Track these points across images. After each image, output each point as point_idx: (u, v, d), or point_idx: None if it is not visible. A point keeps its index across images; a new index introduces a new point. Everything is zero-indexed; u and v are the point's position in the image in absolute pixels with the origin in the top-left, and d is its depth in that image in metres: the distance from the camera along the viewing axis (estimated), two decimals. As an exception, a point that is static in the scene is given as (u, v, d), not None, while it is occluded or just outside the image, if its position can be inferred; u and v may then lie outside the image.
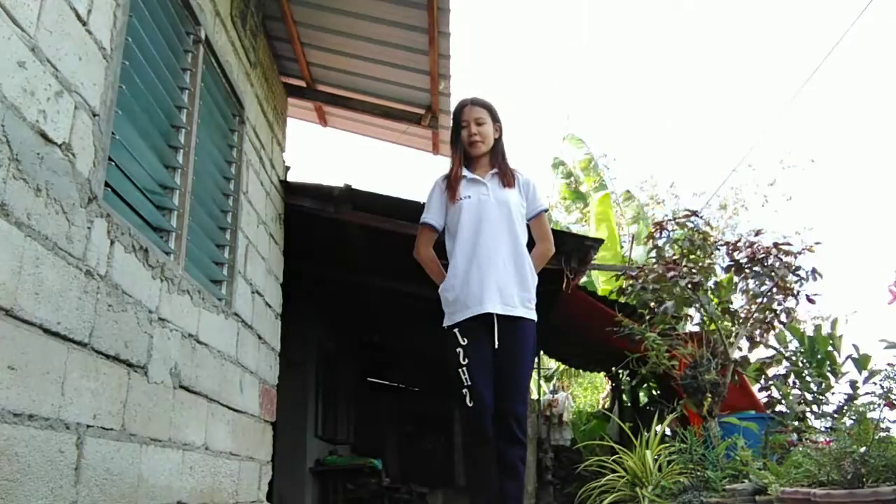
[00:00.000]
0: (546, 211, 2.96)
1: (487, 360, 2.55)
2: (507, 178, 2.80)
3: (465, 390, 2.50)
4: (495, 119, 2.87)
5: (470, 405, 2.50)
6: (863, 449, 2.28)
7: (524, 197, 2.83)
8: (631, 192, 14.02)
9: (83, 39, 2.07)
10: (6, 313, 1.65)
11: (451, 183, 2.79)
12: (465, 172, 2.81)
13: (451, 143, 2.95)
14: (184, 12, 3.03)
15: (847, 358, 4.17)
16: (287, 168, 5.01)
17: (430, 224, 2.81)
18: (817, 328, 4.55)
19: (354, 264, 6.16)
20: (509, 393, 2.57)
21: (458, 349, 2.56)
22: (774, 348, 4.58)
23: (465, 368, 2.52)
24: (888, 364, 2.90)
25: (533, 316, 2.67)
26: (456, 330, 2.60)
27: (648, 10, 36.75)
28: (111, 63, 2.24)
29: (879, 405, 2.74)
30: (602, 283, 10.17)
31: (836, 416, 4.07)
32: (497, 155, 2.86)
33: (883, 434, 2.43)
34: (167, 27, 2.86)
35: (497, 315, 2.57)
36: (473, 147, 2.81)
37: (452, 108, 5.04)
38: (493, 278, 2.60)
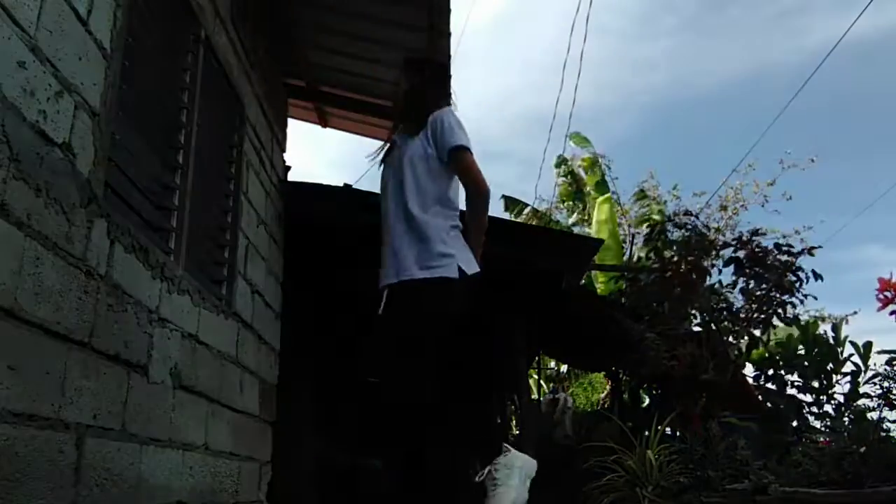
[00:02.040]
0: (462, 147, 2.50)
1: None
2: (408, 127, 2.60)
3: None
4: (413, 69, 2.73)
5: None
6: (863, 449, 2.28)
7: (429, 140, 2.51)
8: (645, 192, 13.98)
9: (83, 39, 2.07)
10: (6, 313, 1.65)
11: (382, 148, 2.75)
12: (394, 137, 2.73)
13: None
14: (184, 12, 3.03)
15: (848, 357, 4.20)
16: (287, 168, 5.00)
17: None
18: (810, 324, 4.57)
19: (354, 264, 6.15)
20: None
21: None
22: (781, 343, 4.59)
23: None
24: (887, 364, 2.90)
25: (442, 273, 2.34)
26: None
27: (649, 9, 36.74)
28: (111, 63, 2.24)
29: (879, 405, 2.75)
30: (600, 283, 10.16)
31: (835, 415, 4.08)
32: (411, 105, 2.69)
33: (883, 434, 2.43)
34: (167, 27, 2.85)
35: (390, 286, 2.42)
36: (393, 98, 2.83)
37: (453, 107, 5.06)
38: (389, 247, 2.50)
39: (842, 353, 4.38)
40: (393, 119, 2.77)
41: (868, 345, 4.13)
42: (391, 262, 2.47)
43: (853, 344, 4.24)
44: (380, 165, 2.70)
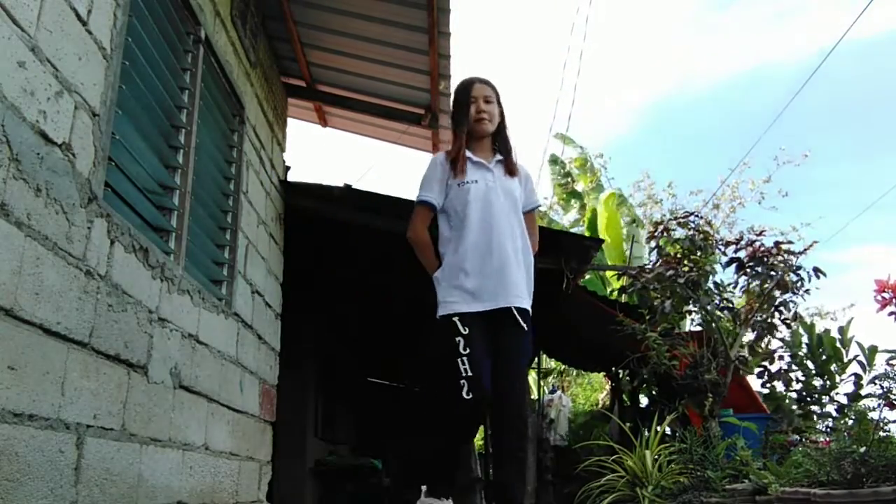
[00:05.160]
0: (538, 207, 2.89)
1: (488, 353, 2.45)
2: (511, 166, 2.67)
3: (462, 381, 2.37)
4: (500, 102, 2.73)
5: (468, 397, 2.35)
6: (863, 449, 2.28)
7: (524, 189, 2.72)
8: (623, 196, 13.95)
9: (83, 39, 2.07)
10: (6, 313, 1.65)
11: (455, 161, 2.63)
12: (468, 154, 2.65)
13: (453, 121, 2.78)
14: (184, 12, 3.03)
15: (853, 359, 4.21)
16: (287, 168, 5.01)
17: (430, 203, 2.62)
18: (826, 330, 4.57)
19: (354, 264, 6.16)
20: (514, 385, 2.51)
21: (459, 338, 2.42)
22: (786, 341, 4.59)
23: (465, 358, 2.39)
24: (888, 364, 2.90)
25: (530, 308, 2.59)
26: (456, 318, 2.45)
27: (646, 8, 36.75)
28: (111, 63, 2.24)
29: (879, 405, 2.75)
30: (614, 283, 10.10)
31: (837, 415, 4.09)
32: (501, 140, 2.73)
33: (883, 434, 2.43)
34: (167, 27, 2.85)
35: (505, 308, 2.48)
36: (480, 125, 2.65)
37: (452, 108, 5.06)
38: (509, 271, 2.51)
39: (847, 353, 4.39)
40: (462, 133, 2.69)
41: (873, 348, 4.14)
42: (511, 285, 2.52)
43: (859, 345, 4.25)
44: (454, 176, 2.62)
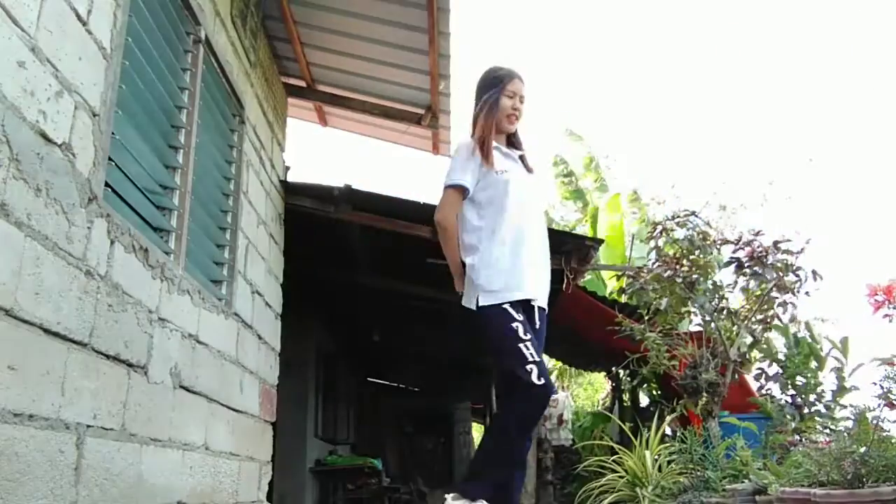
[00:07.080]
0: None
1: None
2: (529, 165, 2.69)
3: (530, 366, 2.24)
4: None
5: (539, 382, 2.23)
6: (863, 449, 2.28)
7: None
8: (637, 193, 13.89)
9: (83, 39, 2.07)
10: (6, 313, 1.65)
11: (486, 148, 2.54)
12: (496, 144, 2.59)
13: (483, 105, 2.63)
14: (184, 12, 3.03)
15: (830, 350, 4.28)
16: (287, 168, 5.01)
17: (465, 187, 2.49)
18: (785, 328, 4.61)
19: (354, 264, 6.16)
20: None
21: (515, 324, 2.31)
22: (764, 351, 4.63)
23: (528, 343, 2.28)
24: (888, 364, 2.90)
25: None
26: (507, 305, 2.35)
27: (655, 10, 36.76)
28: (111, 63, 2.24)
29: (879, 405, 2.75)
30: (613, 284, 10.10)
31: (828, 410, 4.11)
32: (518, 141, 2.72)
33: (883, 434, 2.43)
34: (167, 27, 2.85)
35: (538, 306, 2.46)
36: (510, 121, 2.62)
37: (452, 107, 5.07)
38: (541, 267, 2.53)
39: (823, 350, 4.44)
40: (492, 122, 2.60)
41: (844, 340, 4.23)
42: (541, 281, 2.53)
43: (829, 340, 4.33)
44: (485, 164, 2.53)
